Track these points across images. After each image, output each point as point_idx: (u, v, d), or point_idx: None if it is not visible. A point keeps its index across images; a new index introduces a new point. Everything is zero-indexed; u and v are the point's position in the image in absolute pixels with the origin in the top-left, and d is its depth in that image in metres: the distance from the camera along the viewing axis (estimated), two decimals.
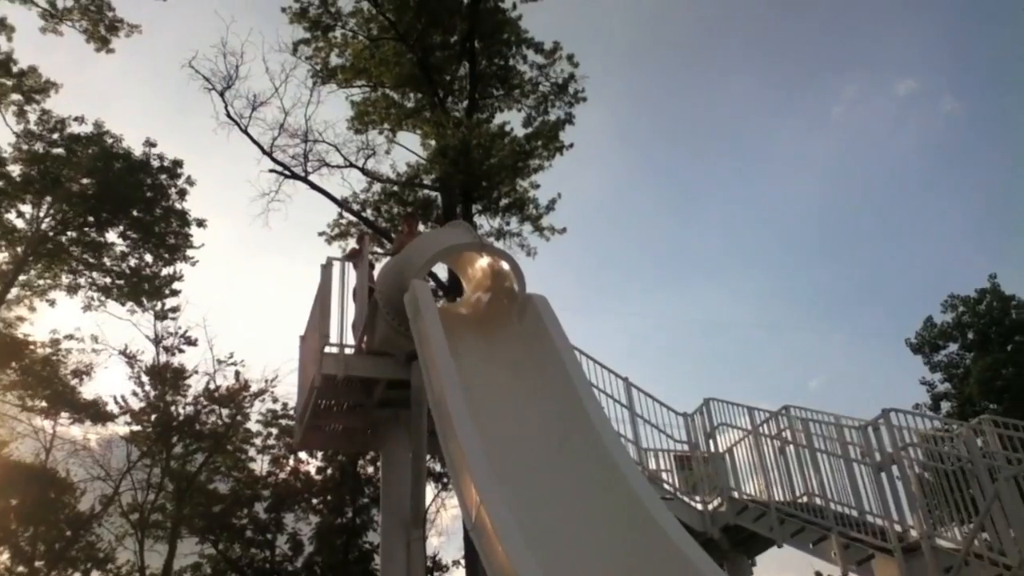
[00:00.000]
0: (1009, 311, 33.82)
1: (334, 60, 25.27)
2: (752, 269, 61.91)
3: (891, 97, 56.55)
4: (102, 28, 25.05)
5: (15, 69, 24.88)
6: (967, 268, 59.28)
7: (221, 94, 23.26)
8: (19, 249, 24.99)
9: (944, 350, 35.16)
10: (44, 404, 25.54)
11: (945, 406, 33.66)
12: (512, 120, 24.83)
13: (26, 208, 25.33)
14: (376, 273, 10.03)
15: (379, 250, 21.89)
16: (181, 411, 26.46)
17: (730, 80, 56.10)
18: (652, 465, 11.59)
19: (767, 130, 55.79)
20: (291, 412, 25.09)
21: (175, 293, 26.81)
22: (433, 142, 23.38)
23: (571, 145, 24.17)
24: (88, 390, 26.39)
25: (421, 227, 19.34)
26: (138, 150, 25.97)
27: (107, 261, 26.18)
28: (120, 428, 26.47)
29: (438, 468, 24.90)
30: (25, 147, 25.16)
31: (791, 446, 10.81)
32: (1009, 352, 32.59)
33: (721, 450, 11.89)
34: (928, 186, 58.82)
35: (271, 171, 23.66)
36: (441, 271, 20.04)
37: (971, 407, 30.69)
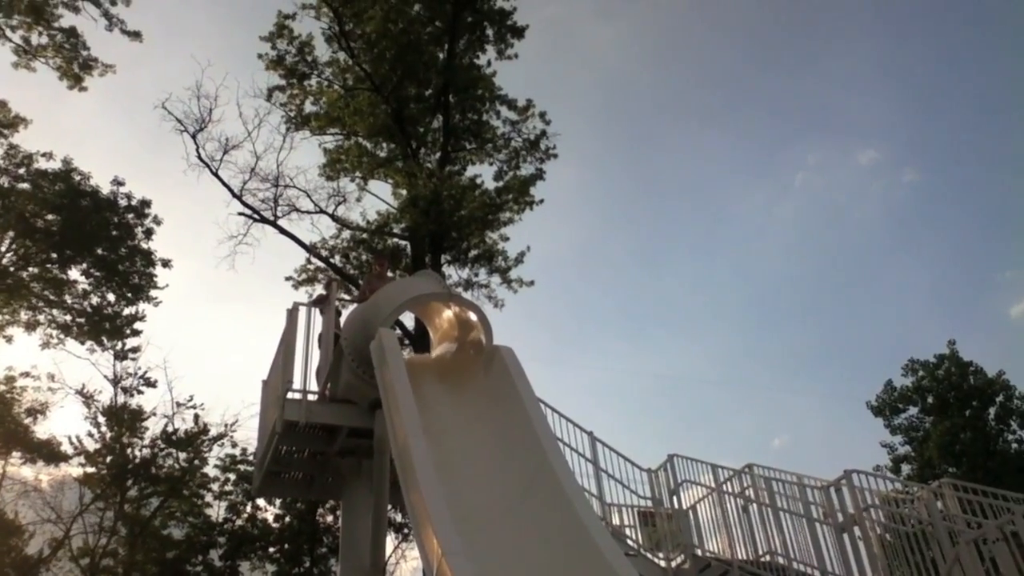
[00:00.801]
0: (967, 376, 34.37)
1: (308, 107, 25.46)
2: (717, 327, 62.51)
3: (853, 166, 58.04)
4: (76, 66, 25.01)
5: None
6: (926, 333, 60.37)
7: (193, 136, 23.29)
8: None
9: (904, 413, 35.60)
10: None
11: (905, 468, 33.97)
12: (484, 173, 25.16)
13: None
14: (342, 320, 9.96)
15: (346, 297, 21.79)
16: (137, 453, 25.95)
17: (698, 142, 57.27)
18: (616, 520, 11.50)
19: (734, 192, 56.90)
20: (250, 457, 24.70)
21: (136, 333, 26.46)
22: (404, 192, 23.49)
23: (541, 200, 24.45)
24: (42, 429, 25.90)
25: (390, 273, 19.31)
26: (106, 188, 25.81)
27: (68, 299, 25.79)
28: (73, 469, 25.91)
29: (399, 518, 24.55)
30: None
31: (754, 504, 10.80)
32: (967, 417, 33.06)
33: (685, 507, 11.84)
34: (889, 253, 60.09)
35: (240, 214, 23.60)
36: (409, 320, 19.98)
37: (931, 470, 31.01)
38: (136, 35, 25.26)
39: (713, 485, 11.48)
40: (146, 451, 26.01)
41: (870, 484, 9.71)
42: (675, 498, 11.98)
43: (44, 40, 24.67)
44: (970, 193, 58.35)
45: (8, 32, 24.35)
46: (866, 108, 57.68)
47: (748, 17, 57.20)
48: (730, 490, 11.26)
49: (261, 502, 26.22)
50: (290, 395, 8.98)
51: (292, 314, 9.53)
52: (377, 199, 25.46)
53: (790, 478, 10.66)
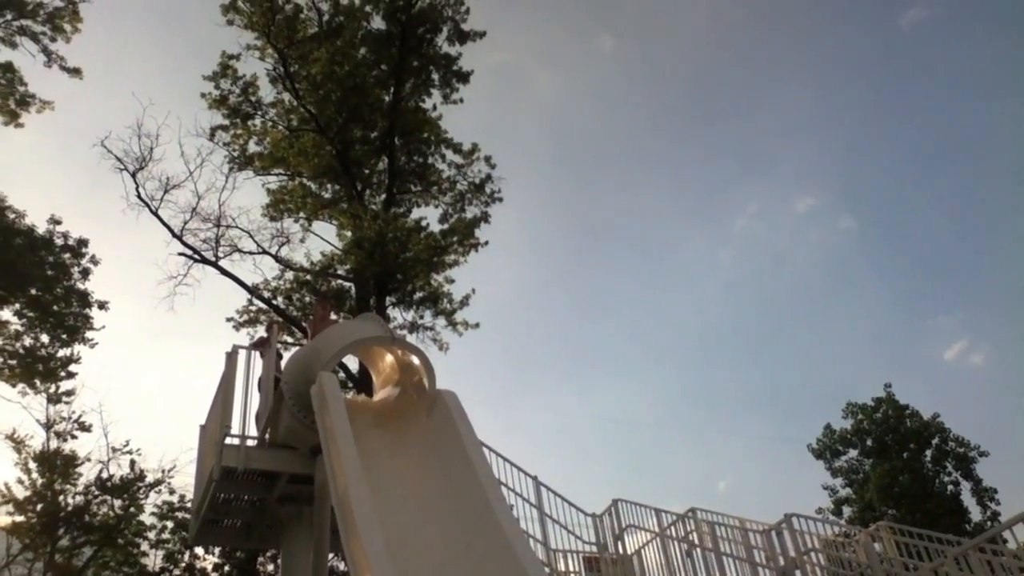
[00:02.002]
0: (904, 419, 35.11)
1: (252, 147, 25.33)
2: (660, 370, 63.05)
3: (791, 213, 59.43)
4: (12, 102, 24.51)
5: None
6: (864, 376, 61.68)
7: (133, 175, 22.95)
8: None
9: (844, 456, 36.13)
10: None
11: (847, 511, 34.42)
12: (429, 216, 25.16)
13: None
14: (284, 363, 9.79)
15: (288, 339, 21.51)
16: (70, 501, 24.97)
17: (640, 188, 58.22)
18: (561, 567, 11.41)
19: (676, 237, 57.84)
20: (188, 505, 23.98)
21: (71, 375, 25.60)
22: (349, 233, 23.39)
23: (486, 243, 24.53)
24: None
25: (333, 315, 19.11)
26: (42, 227, 25.16)
27: (0, 340, 24.96)
28: (0, 518, 24.83)
29: (341, 567, 24.02)
30: None
31: (698, 549, 10.82)
32: (905, 459, 33.70)
33: (630, 552, 11.80)
34: (827, 298, 61.51)
35: (180, 254, 23.23)
36: (352, 362, 19.75)
37: (871, 512, 31.47)
38: (76, 71, 24.89)
39: (657, 530, 11.48)
40: (79, 498, 25.06)
41: (810, 527, 9.80)
42: (620, 543, 11.94)
43: None
44: (905, 240, 60.19)
45: None
46: (803, 156, 59.35)
47: (688, 65, 58.68)
48: (674, 535, 11.27)
49: (199, 551, 25.43)
50: (228, 440, 8.77)
51: (232, 357, 9.34)
52: (321, 240, 25.31)
53: (733, 522, 10.72)
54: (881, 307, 61.62)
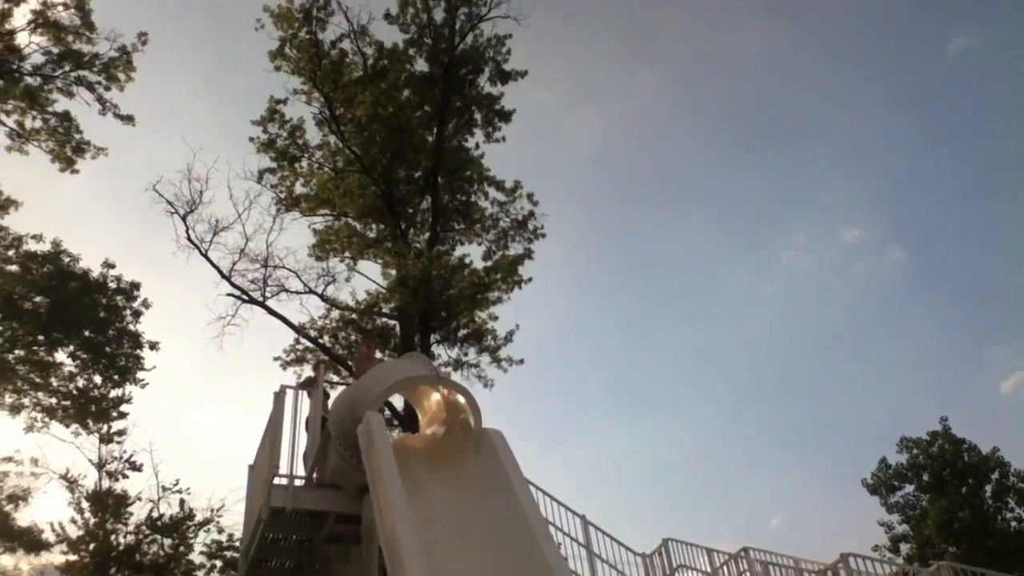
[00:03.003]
0: (961, 454, 34.19)
1: (299, 189, 25.72)
2: (707, 406, 62.29)
3: (839, 244, 58.72)
4: (68, 149, 25.25)
5: None
6: (917, 410, 60.26)
7: (183, 218, 23.38)
8: None
9: (900, 491, 35.23)
10: None
11: (904, 548, 33.48)
12: (472, 253, 25.26)
13: None
14: (330, 402, 9.84)
15: (335, 378, 21.63)
16: (121, 540, 25.26)
17: (684, 222, 57.98)
18: None
19: (721, 270, 57.40)
20: (237, 544, 24.09)
21: (123, 416, 26.03)
22: (393, 271, 23.56)
23: (530, 279, 24.55)
24: (23, 516, 25.22)
25: (378, 354, 19.21)
26: (96, 270, 25.75)
27: (54, 381, 25.44)
28: (55, 557, 25.17)
29: None
30: None
31: None
32: (964, 495, 32.75)
33: None
34: (877, 330, 60.38)
35: (229, 295, 23.55)
36: (398, 401, 19.78)
37: (930, 549, 30.59)
38: (129, 119, 25.58)
39: (709, 570, 11.25)
40: (130, 537, 25.35)
41: (868, 567, 9.53)
42: None
43: (38, 124, 24.98)
44: (955, 269, 59.08)
45: (3, 116, 24.68)
46: (850, 186, 58.72)
47: (730, 97, 58.58)
48: (727, 575, 11.03)
49: None
50: (276, 480, 8.81)
51: (279, 397, 9.41)
52: (366, 279, 25.51)
53: (787, 562, 10.46)
54: (932, 339, 60.43)
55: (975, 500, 32.47)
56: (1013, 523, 32.29)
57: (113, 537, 25.21)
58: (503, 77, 25.51)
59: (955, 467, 33.65)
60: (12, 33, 24.04)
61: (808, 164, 57.92)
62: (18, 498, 24.97)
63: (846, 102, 59.27)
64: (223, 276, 23.37)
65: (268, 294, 23.55)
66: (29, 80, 24.48)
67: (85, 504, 25.26)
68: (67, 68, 24.79)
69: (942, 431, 35.00)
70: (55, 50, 24.57)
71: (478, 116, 25.76)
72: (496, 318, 24.42)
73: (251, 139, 24.96)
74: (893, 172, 59.01)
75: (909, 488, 34.90)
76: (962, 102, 57.47)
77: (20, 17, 24.02)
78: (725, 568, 11.16)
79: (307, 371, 23.89)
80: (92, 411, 25.50)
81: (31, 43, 24.31)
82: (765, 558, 10.70)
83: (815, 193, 58.18)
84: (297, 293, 23.96)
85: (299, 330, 24.01)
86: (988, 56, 57.40)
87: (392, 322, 24.57)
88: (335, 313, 24.73)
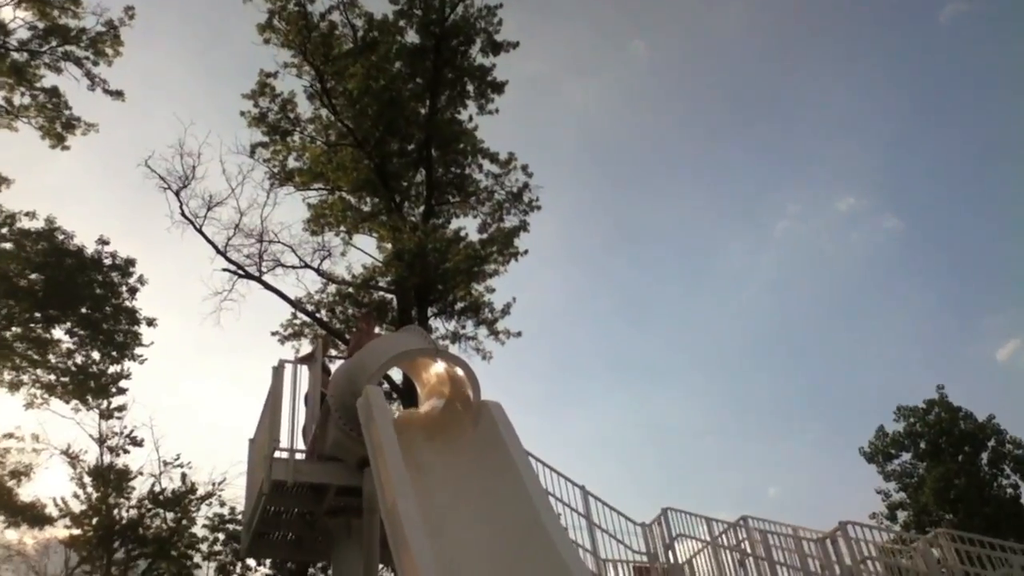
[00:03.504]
0: (958, 421, 34.37)
1: (292, 163, 25.61)
2: (703, 376, 62.50)
3: (833, 214, 58.63)
4: (58, 125, 25.06)
5: None
6: (913, 378, 60.58)
7: (176, 193, 23.32)
8: None
9: (897, 459, 35.44)
10: None
11: (901, 515, 33.76)
12: (468, 226, 25.24)
13: None
14: (330, 377, 9.83)
15: (333, 352, 21.64)
16: (124, 514, 25.48)
17: (679, 192, 57.84)
18: None
19: (716, 241, 57.36)
20: (239, 517, 24.24)
21: (122, 392, 26.13)
22: (389, 245, 23.51)
23: (526, 251, 24.51)
24: (26, 492, 25.40)
25: (377, 330, 19.20)
26: (91, 247, 25.67)
27: (52, 358, 25.45)
28: (59, 532, 25.44)
29: None
30: None
31: (751, 558, 10.63)
32: (960, 462, 32.97)
33: (680, 561, 11.64)
34: (873, 299, 60.51)
35: (225, 270, 23.54)
36: (397, 375, 19.82)
37: (927, 516, 30.86)
38: (119, 94, 25.38)
39: (708, 539, 11.31)
40: (133, 512, 25.56)
41: (866, 535, 9.57)
42: (671, 553, 11.78)
43: (27, 100, 24.77)
44: (951, 237, 59.12)
45: None
46: (844, 155, 58.59)
47: (724, 67, 58.23)
48: (726, 544, 11.09)
49: (251, 562, 25.69)
50: (277, 454, 8.82)
51: (278, 371, 9.39)
52: (362, 253, 25.49)
53: (786, 530, 10.52)
54: (928, 307, 60.61)
55: (971, 468, 32.70)
56: (1009, 490, 32.55)
57: (116, 511, 25.39)
58: (495, 48, 25.31)
59: (951, 435, 33.84)
60: None
61: (801, 133, 57.80)
62: (20, 474, 25.15)
63: (839, 70, 59.05)
64: (218, 251, 23.37)
65: (264, 269, 23.57)
66: (15, 56, 24.25)
67: (87, 479, 25.44)
68: (54, 43, 24.55)
69: (939, 399, 35.17)
70: (41, 25, 24.33)
71: (471, 88, 25.59)
72: (493, 291, 24.46)
73: (242, 113, 24.83)
74: (887, 140, 58.95)
75: (906, 456, 35.13)
76: (955, 69, 57.28)
77: None
78: (724, 537, 11.21)
79: (306, 346, 23.95)
80: (91, 387, 25.55)
81: (16, 18, 24.08)
82: (764, 527, 10.75)
83: (809, 163, 58.13)
84: (293, 268, 23.97)
85: (296, 304, 24.03)
86: (981, 22, 57.15)
87: (389, 296, 24.57)
88: (332, 287, 24.75)
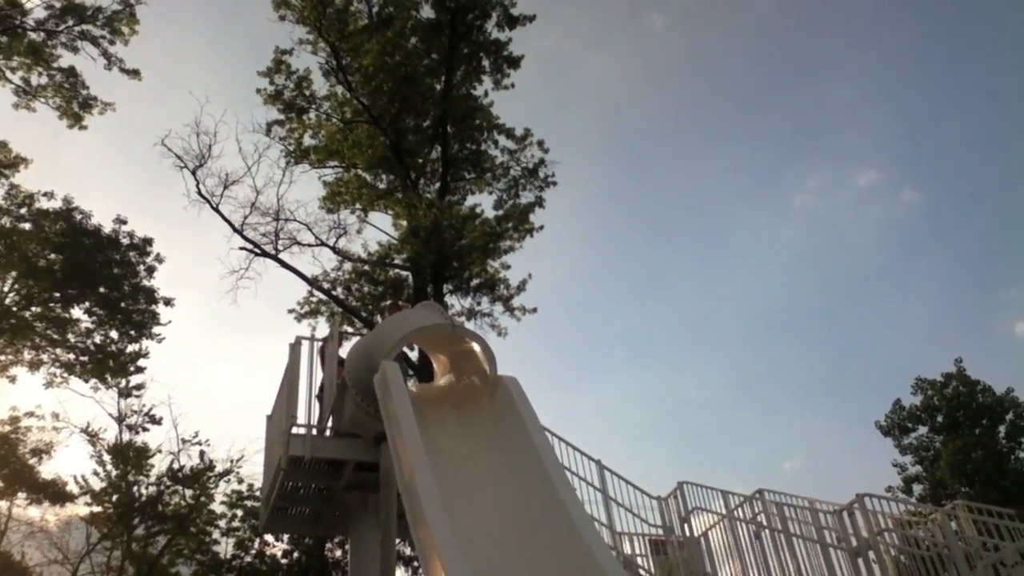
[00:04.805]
0: (976, 395, 34.14)
1: (307, 141, 25.58)
2: (722, 350, 62.35)
3: (852, 187, 58.06)
4: (75, 105, 25.17)
5: None
6: (933, 351, 60.22)
7: (193, 172, 23.35)
8: None
9: (914, 432, 35.30)
10: (0, 484, 24.77)
11: (917, 489, 33.67)
12: (483, 202, 25.16)
13: None
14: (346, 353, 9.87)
15: (349, 329, 21.74)
16: (143, 491, 25.79)
17: (696, 167, 57.44)
18: (627, 549, 11.34)
19: (735, 215, 56.93)
20: (257, 493, 24.49)
21: (140, 370, 26.39)
22: (405, 223, 23.51)
23: (541, 227, 24.47)
24: (47, 469, 25.81)
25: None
26: (108, 226, 25.83)
27: (71, 337, 25.74)
28: (80, 509, 25.77)
29: (408, 552, 24.29)
30: None
31: (766, 531, 10.65)
32: (977, 435, 32.79)
33: (696, 535, 11.68)
34: (892, 272, 60.01)
35: (241, 248, 23.60)
36: (412, 352, 19.89)
37: (943, 490, 30.76)
38: (135, 73, 25.46)
39: (724, 512, 11.33)
40: (152, 489, 25.87)
41: (883, 507, 9.58)
42: (686, 526, 11.82)
43: (44, 80, 24.92)
44: (971, 210, 58.42)
45: (8, 73, 24.57)
46: (863, 129, 57.90)
47: (741, 43, 57.59)
48: (741, 516, 11.11)
49: (269, 538, 25.96)
50: (294, 430, 8.89)
51: (295, 348, 9.45)
52: (378, 230, 25.51)
53: (802, 503, 10.53)
54: (948, 280, 60.03)
55: (989, 441, 32.52)
56: None
57: (135, 488, 25.69)
58: (511, 22, 25.12)
59: (969, 408, 33.64)
60: None
61: (821, 107, 57.10)
62: (41, 452, 25.49)
63: (859, 42, 58.22)
64: (235, 230, 23.41)
65: (280, 247, 23.61)
66: (32, 36, 24.35)
67: (107, 457, 25.73)
68: (70, 22, 24.61)
69: (957, 372, 34.93)
70: (57, 4, 24.37)
71: (486, 63, 25.43)
72: (508, 267, 24.45)
73: (258, 91, 24.82)
74: (907, 114, 58.18)
75: (923, 430, 34.94)
76: (978, 40, 56.34)
77: None
78: (740, 510, 11.24)
79: (322, 324, 24.06)
80: (110, 366, 25.81)
81: None
82: (780, 500, 10.77)
83: (828, 136, 57.44)
84: (309, 246, 24.00)
85: (312, 282, 24.10)
86: None
87: (405, 273, 24.60)
88: (347, 265, 24.82)
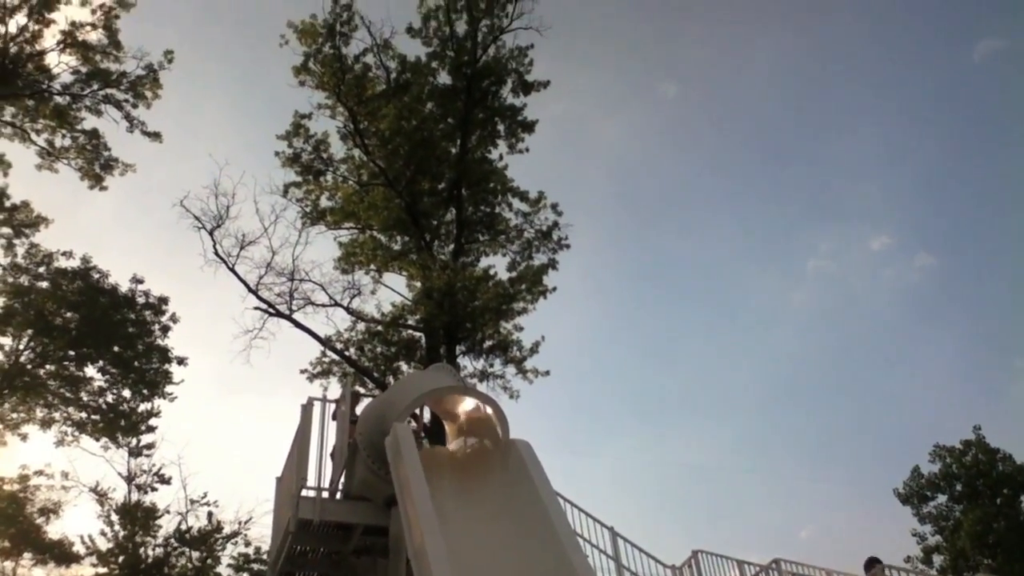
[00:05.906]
0: (995, 463, 33.60)
1: (324, 203, 25.87)
2: (734, 417, 61.85)
3: (866, 252, 58.11)
4: (97, 167, 25.62)
5: (7, 204, 25.25)
6: (949, 419, 59.47)
7: (210, 233, 23.54)
8: None
9: (933, 501, 34.66)
10: (6, 544, 24.55)
11: (938, 559, 32.93)
12: (497, 264, 25.27)
13: (5, 340, 25.13)
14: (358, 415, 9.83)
15: (361, 390, 21.67)
16: (150, 553, 25.46)
17: (708, 231, 57.74)
18: None
19: (747, 280, 57.02)
20: (264, 556, 24.16)
21: (151, 429, 26.33)
22: (419, 284, 23.61)
23: (554, 289, 24.49)
24: (54, 529, 25.54)
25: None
26: (125, 285, 26.05)
27: (84, 396, 25.77)
28: (86, 570, 25.43)
29: None
30: (10, 280, 25.19)
31: None
32: (999, 505, 32.18)
33: None
34: (907, 338, 59.68)
35: (256, 308, 23.65)
36: (425, 412, 19.76)
37: (964, 561, 30.08)
38: (156, 136, 25.96)
39: None
40: (159, 550, 25.55)
41: None
42: None
43: (67, 142, 25.40)
44: (984, 276, 58.32)
45: (33, 135, 25.09)
46: (875, 193, 58.20)
47: (753, 107, 58.27)
48: None
49: None
50: (304, 492, 8.81)
51: (307, 409, 9.42)
52: (391, 291, 25.57)
53: (819, 573, 10.31)
54: (964, 345, 59.60)
55: (1011, 511, 31.89)
56: None
57: (142, 550, 25.38)
58: (526, 88, 25.57)
59: (989, 477, 33.07)
60: (42, 54, 24.47)
61: (832, 171, 57.53)
62: (49, 511, 25.30)
63: (871, 108, 58.83)
64: (250, 290, 23.51)
65: (294, 307, 23.64)
66: (58, 99, 24.94)
67: (115, 517, 25.50)
68: (95, 87, 25.20)
69: (975, 440, 34.44)
70: (83, 69, 25.02)
71: (501, 127, 25.82)
72: (521, 329, 24.40)
73: (276, 154, 25.17)
74: (919, 178, 58.50)
75: (942, 498, 34.34)
76: (989, 105, 56.82)
77: (50, 38, 24.46)
78: None
79: (334, 384, 23.99)
80: (121, 425, 25.77)
81: (60, 63, 24.81)
82: (797, 570, 10.56)
83: (840, 200, 57.76)
84: (323, 306, 24.04)
85: (325, 343, 24.09)
86: (1015, 58, 56.72)
87: (418, 334, 24.59)
88: (361, 325, 24.81)
